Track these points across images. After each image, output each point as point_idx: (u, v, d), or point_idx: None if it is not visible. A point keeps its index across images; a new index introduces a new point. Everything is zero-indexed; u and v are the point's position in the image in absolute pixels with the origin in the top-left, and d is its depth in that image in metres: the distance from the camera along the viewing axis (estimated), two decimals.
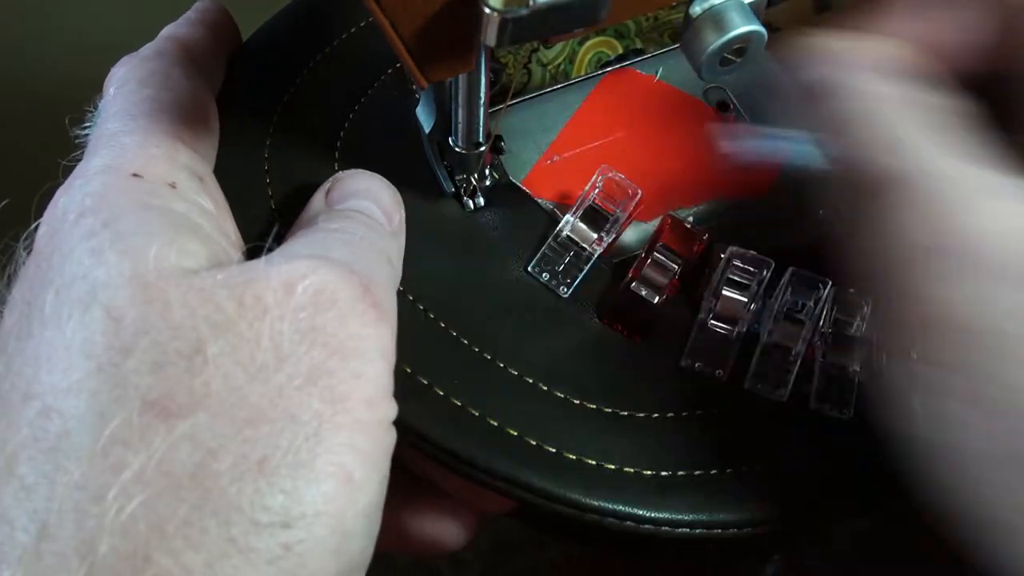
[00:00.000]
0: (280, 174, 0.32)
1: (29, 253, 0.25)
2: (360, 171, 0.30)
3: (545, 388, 0.30)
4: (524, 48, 0.37)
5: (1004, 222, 0.22)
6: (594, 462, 0.28)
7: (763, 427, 0.29)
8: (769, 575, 0.42)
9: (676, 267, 0.32)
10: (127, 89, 0.28)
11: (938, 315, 0.22)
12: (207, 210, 0.27)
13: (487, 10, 0.22)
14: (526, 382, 0.30)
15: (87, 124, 0.29)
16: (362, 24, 0.35)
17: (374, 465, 0.23)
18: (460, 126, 0.31)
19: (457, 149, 0.32)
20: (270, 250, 0.25)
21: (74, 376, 0.21)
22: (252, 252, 0.28)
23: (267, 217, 0.30)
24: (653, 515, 0.28)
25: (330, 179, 0.29)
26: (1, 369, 0.22)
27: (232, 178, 0.30)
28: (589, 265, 0.32)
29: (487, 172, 0.33)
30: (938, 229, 0.22)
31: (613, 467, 0.28)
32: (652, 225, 0.35)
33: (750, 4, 0.26)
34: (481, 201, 0.34)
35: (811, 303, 0.31)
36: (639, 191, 0.32)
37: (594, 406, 0.30)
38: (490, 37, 0.23)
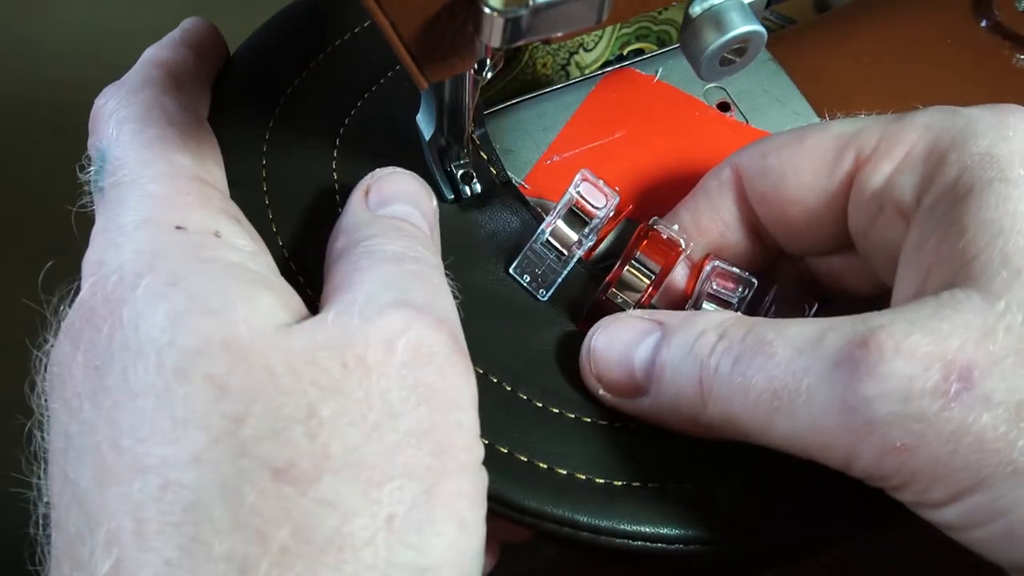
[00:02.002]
0: (277, 183, 0.31)
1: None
2: (397, 170, 0.30)
3: (509, 389, 0.30)
4: (563, 50, 0.37)
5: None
6: (545, 466, 0.28)
7: (725, 446, 0.28)
8: None
9: (652, 276, 0.31)
10: (130, 129, 0.28)
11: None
12: (257, 254, 0.27)
13: (487, 10, 0.22)
14: (490, 381, 0.30)
15: (90, 168, 0.28)
16: (356, 30, 0.35)
17: (479, 504, 0.24)
18: (459, 124, 0.31)
19: (455, 146, 0.32)
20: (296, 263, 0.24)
21: (190, 448, 0.21)
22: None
23: (266, 230, 0.30)
24: (594, 523, 0.27)
25: (367, 178, 0.29)
26: (89, 436, 0.22)
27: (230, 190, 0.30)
28: (568, 269, 0.32)
29: (478, 128, 0.33)
30: (943, 357, 0.22)
31: (564, 472, 0.28)
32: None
33: (750, 4, 0.26)
34: (478, 188, 0.33)
35: None
36: (617, 196, 0.32)
37: (556, 410, 0.29)
38: (490, 37, 0.23)
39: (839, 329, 0.24)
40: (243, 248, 0.26)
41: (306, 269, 0.29)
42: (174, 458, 0.21)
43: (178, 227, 0.25)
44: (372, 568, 0.21)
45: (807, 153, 0.28)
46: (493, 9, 0.22)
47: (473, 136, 0.32)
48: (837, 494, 0.27)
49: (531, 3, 0.22)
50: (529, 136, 0.37)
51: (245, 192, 0.30)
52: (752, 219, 0.31)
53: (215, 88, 0.33)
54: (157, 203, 0.26)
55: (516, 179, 0.35)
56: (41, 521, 0.24)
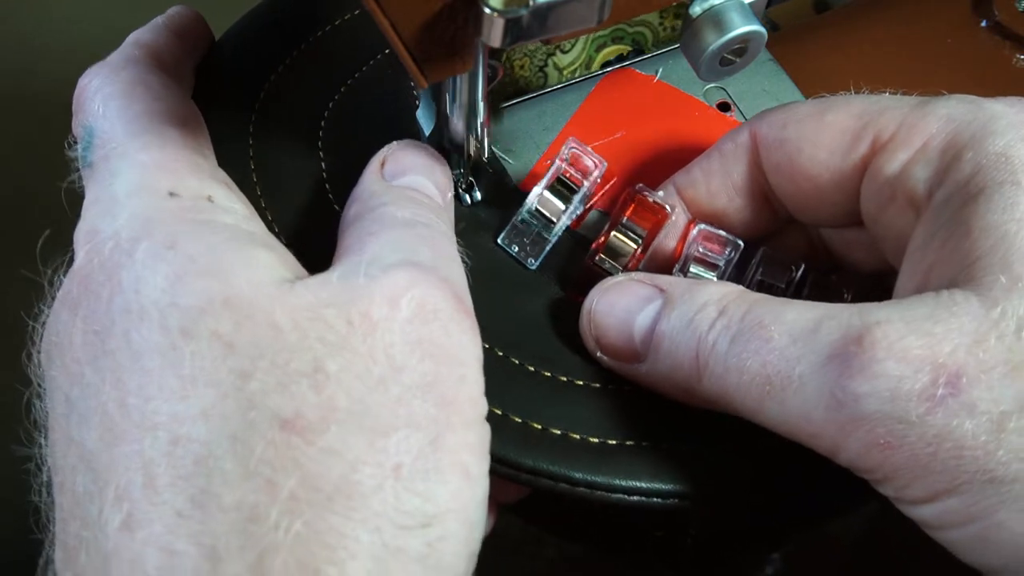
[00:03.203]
0: (264, 170, 0.31)
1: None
2: (413, 143, 0.30)
3: (501, 354, 0.30)
4: (540, 52, 0.37)
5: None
6: (540, 426, 0.28)
7: (720, 413, 0.28)
8: (768, 574, 0.42)
9: (639, 241, 0.32)
10: (115, 105, 0.28)
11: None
12: (251, 217, 0.27)
13: (487, 10, 0.22)
14: (483, 347, 0.30)
15: (77, 146, 0.28)
16: (346, 16, 0.35)
17: (483, 457, 0.24)
18: (460, 123, 0.31)
19: (459, 143, 0.32)
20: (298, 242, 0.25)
21: (199, 404, 0.21)
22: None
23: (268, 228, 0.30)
24: (589, 478, 0.28)
25: (384, 150, 0.30)
26: (93, 399, 0.23)
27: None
28: (556, 237, 0.32)
29: (490, 170, 0.33)
30: (934, 361, 0.22)
31: (559, 432, 0.28)
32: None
33: (750, 4, 0.26)
34: (478, 196, 0.34)
35: (783, 285, 0.31)
36: (604, 163, 0.32)
37: (548, 374, 0.30)
38: (491, 37, 0.23)
39: (836, 319, 0.24)
40: (237, 211, 0.27)
41: (299, 246, 0.29)
42: (184, 414, 0.21)
43: (171, 193, 0.26)
44: (380, 515, 0.21)
45: (826, 129, 0.28)
46: (493, 9, 0.22)
47: (476, 144, 0.32)
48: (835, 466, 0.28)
49: (531, 3, 0.22)
50: (529, 136, 0.37)
51: (232, 174, 0.30)
52: (764, 185, 0.31)
53: (200, 73, 0.33)
54: (148, 171, 0.26)
55: (515, 183, 0.35)
56: (44, 488, 0.25)
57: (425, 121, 0.32)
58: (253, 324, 0.22)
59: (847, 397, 0.23)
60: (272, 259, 0.24)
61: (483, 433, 0.24)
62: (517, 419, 0.28)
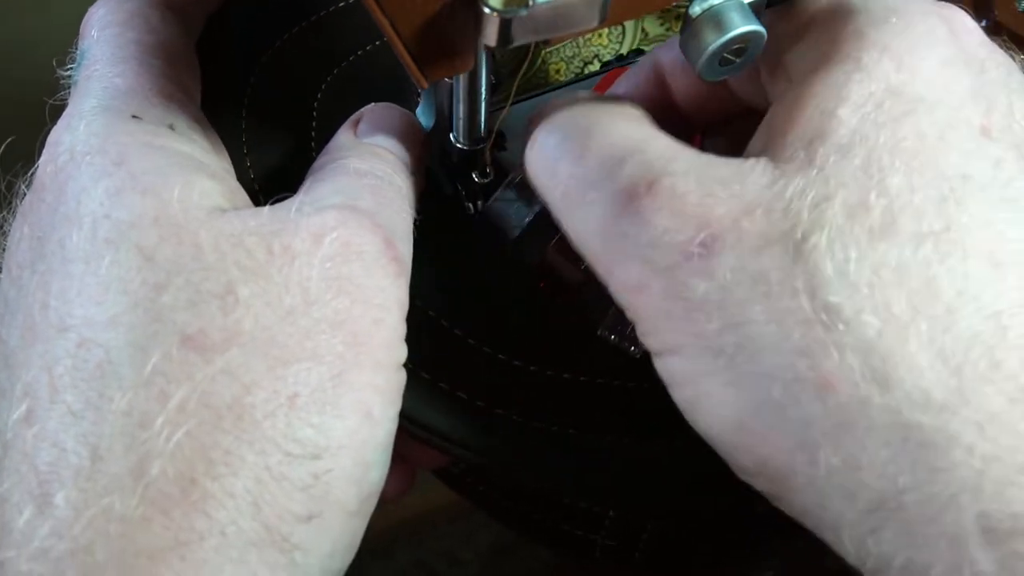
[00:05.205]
0: (257, 142, 0.31)
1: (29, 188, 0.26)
2: (389, 105, 0.31)
3: (432, 314, 0.30)
4: (576, 59, 0.37)
5: (752, 196, 0.23)
6: (447, 387, 0.29)
7: (653, 411, 0.29)
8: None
9: None
10: (110, 32, 0.29)
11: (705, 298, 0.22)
12: (210, 149, 0.28)
13: (487, 10, 0.22)
14: (428, 314, 0.30)
15: (71, 66, 0.29)
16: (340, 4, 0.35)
17: (390, 402, 0.24)
18: (462, 123, 0.31)
19: (459, 146, 0.32)
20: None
21: (111, 311, 0.22)
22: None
23: (248, 184, 0.30)
24: (480, 445, 0.29)
25: (361, 110, 0.30)
26: (23, 300, 0.24)
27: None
28: (535, 214, 0.32)
29: (488, 170, 0.33)
30: (703, 220, 0.23)
31: (465, 396, 0.29)
32: None
33: (750, 4, 0.26)
34: (482, 204, 0.34)
35: None
36: None
37: (489, 350, 0.30)
38: (490, 37, 0.23)
39: (644, 158, 0.24)
40: (195, 142, 0.27)
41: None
42: (95, 318, 0.22)
43: (134, 116, 0.26)
44: (269, 439, 0.22)
45: None
46: (493, 9, 0.22)
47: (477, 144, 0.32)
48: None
49: (531, 3, 0.22)
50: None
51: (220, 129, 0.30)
52: (673, 103, 0.32)
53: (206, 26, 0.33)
54: (118, 94, 0.27)
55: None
56: None
57: (425, 120, 0.32)
58: (176, 242, 0.23)
59: (618, 233, 0.24)
60: (212, 187, 0.25)
61: (395, 379, 0.25)
62: (426, 375, 0.29)
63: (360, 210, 0.25)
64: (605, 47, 0.40)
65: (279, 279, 0.23)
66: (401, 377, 0.25)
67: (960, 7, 0.26)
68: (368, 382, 0.23)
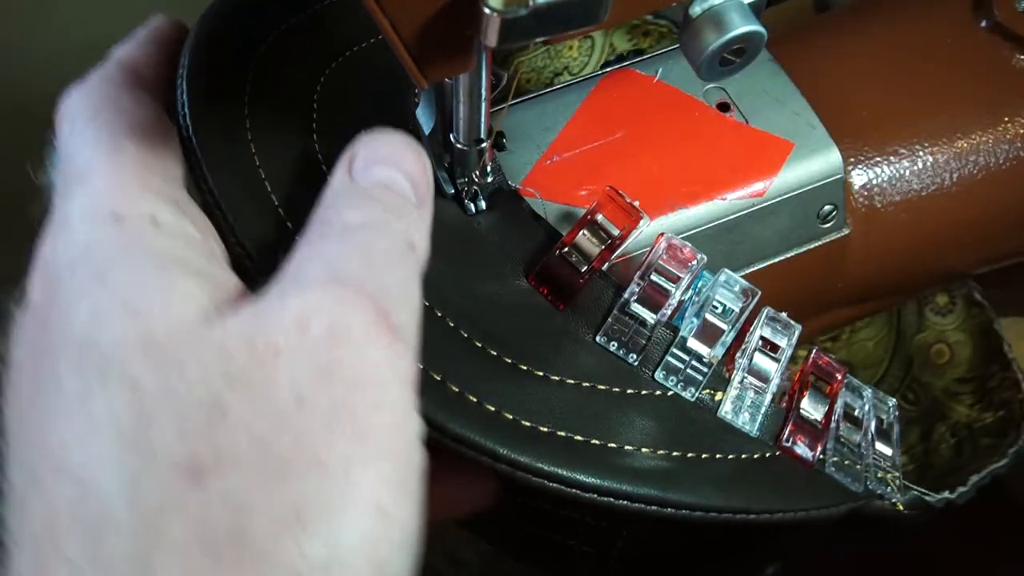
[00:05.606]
0: (267, 158, 0.31)
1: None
2: (384, 132, 0.28)
3: (452, 325, 0.30)
4: (547, 70, 0.37)
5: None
6: (475, 399, 0.29)
7: (663, 415, 0.29)
8: (769, 574, 0.42)
9: (608, 241, 0.32)
10: (80, 123, 0.28)
11: None
12: (193, 238, 0.26)
13: (487, 10, 0.22)
14: (435, 314, 0.30)
15: (47, 166, 0.28)
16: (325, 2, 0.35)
17: (405, 488, 0.23)
18: (462, 123, 0.31)
19: (459, 146, 0.32)
20: (275, 252, 0.25)
21: (103, 451, 0.21)
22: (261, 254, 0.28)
23: (271, 210, 0.30)
24: (513, 457, 0.28)
25: (352, 145, 0.28)
26: (24, 439, 0.23)
27: (226, 171, 0.30)
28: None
29: (488, 170, 0.33)
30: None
31: (493, 408, 0.29)
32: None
33: (750, 4, 0.26)
34: (483, 204, 0.33)
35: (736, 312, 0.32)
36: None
37: (495, 352, 0.30)
38: (490, 37, 0.23)
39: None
40: (178, 234, 0.26)
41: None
42: (88, 461, 0.21)
43: (114, 214, 0.25)
44: (278, 564, 0.20)
45: None
46: (492, 9, 0.22)
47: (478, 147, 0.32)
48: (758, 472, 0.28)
49: (531, 3, 0.22)
50: (529, 136, 0.36)
51: (245, 187, 0.30)
52: None
53: (186, 47, 0.32)
54: (96, 194, 0.26)
55: (513, 184, 0.35)
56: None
57: (425, 120, 0.32)
58: (161, 365, 0.22)
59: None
60: (194, 288, 0.24)
61: (407, 461, 0.23)
62: (455, 388, 0.28)
63: (345, 281, 0.23)
64: (575, 59, 0.40)
65: (265, 381, 0.22)
66: (414, 457, 0.23)
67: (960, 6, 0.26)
68: (376, 476, 0.22)
